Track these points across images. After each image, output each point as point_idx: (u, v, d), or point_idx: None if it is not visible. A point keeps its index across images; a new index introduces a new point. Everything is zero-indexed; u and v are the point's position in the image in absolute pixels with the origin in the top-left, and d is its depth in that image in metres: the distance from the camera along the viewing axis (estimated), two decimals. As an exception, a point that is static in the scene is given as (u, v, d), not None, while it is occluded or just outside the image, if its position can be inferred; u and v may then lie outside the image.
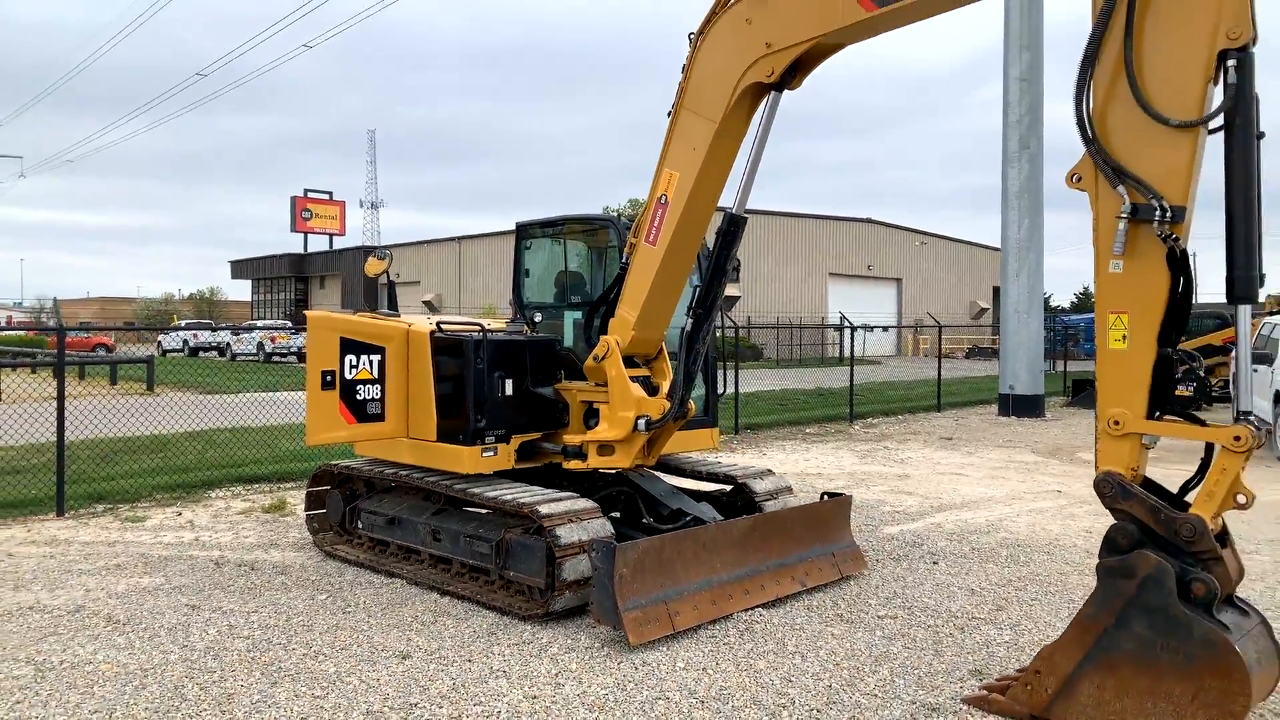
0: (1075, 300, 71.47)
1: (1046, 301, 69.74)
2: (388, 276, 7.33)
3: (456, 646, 5.09)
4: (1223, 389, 17.84)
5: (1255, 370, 14.55)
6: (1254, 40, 3.77)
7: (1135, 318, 3.98)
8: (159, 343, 40.30)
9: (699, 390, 7.15)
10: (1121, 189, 3.93)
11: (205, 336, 39.61)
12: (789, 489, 6.95)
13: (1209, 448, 3.93)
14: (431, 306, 50.40)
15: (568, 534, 5.36)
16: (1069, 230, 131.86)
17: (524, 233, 7.57)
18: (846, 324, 18.88)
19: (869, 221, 50.68)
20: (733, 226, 5.62)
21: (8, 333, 38.02)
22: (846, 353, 42.12)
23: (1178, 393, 15.18)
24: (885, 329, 21.56)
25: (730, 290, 44.15)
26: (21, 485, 9.15)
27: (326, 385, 5.94)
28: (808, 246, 47.06)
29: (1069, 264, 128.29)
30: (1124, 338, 4.01)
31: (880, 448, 13.59)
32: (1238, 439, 3.74)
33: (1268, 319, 15.08)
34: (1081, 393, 20.54)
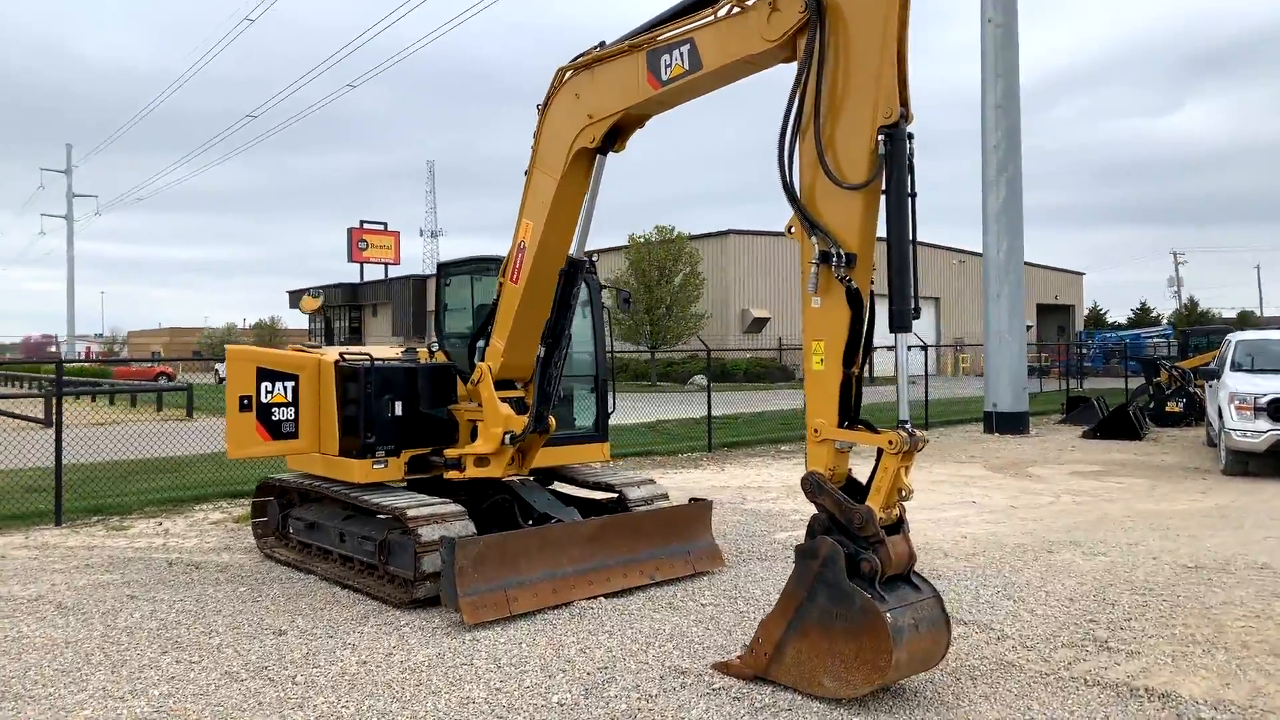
0: (1133, 315, 70.22)
1: (1102, 317, 68.78)
2: (323, 314, 8.44)
3: (328, 627, 6.07)
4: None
5: (1210, 385, 14.87)
6: (907, 118, 4.59)
7: (828, 344, 4.80)
8: (215, 369, 42.51)
9: (581, 410, 8.09)
10: (814, 239, 4.77)
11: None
12: (664, 496, 7.81)
13: (879, 451, 4.72)
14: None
15: (429, 533, 6.32)
16: (1127, 244, 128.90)
17: (444, 271, 8.59)
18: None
19: (903, 241, 50.77)
20: (571, 267, 6.57)
21: (77, 364, 40.64)
22: (877, 372, 42.60)
23: (1168, 409, 15.84)
24: (909, 349, 22.31)
25: (760, 313, 44.85)
26: (37, 500, 10.44)
27: (244, 408, 7.02)
28: (840, 267, 47.37)
29: (1123, 278, 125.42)
30: (821, 361, 4.84)
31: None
32: (890, 443, 4.53)
33: (1229, 336, 15.38)
34: (1075, 409, 20.81)
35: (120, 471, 12.89)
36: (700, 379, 37.31)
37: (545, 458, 7.71)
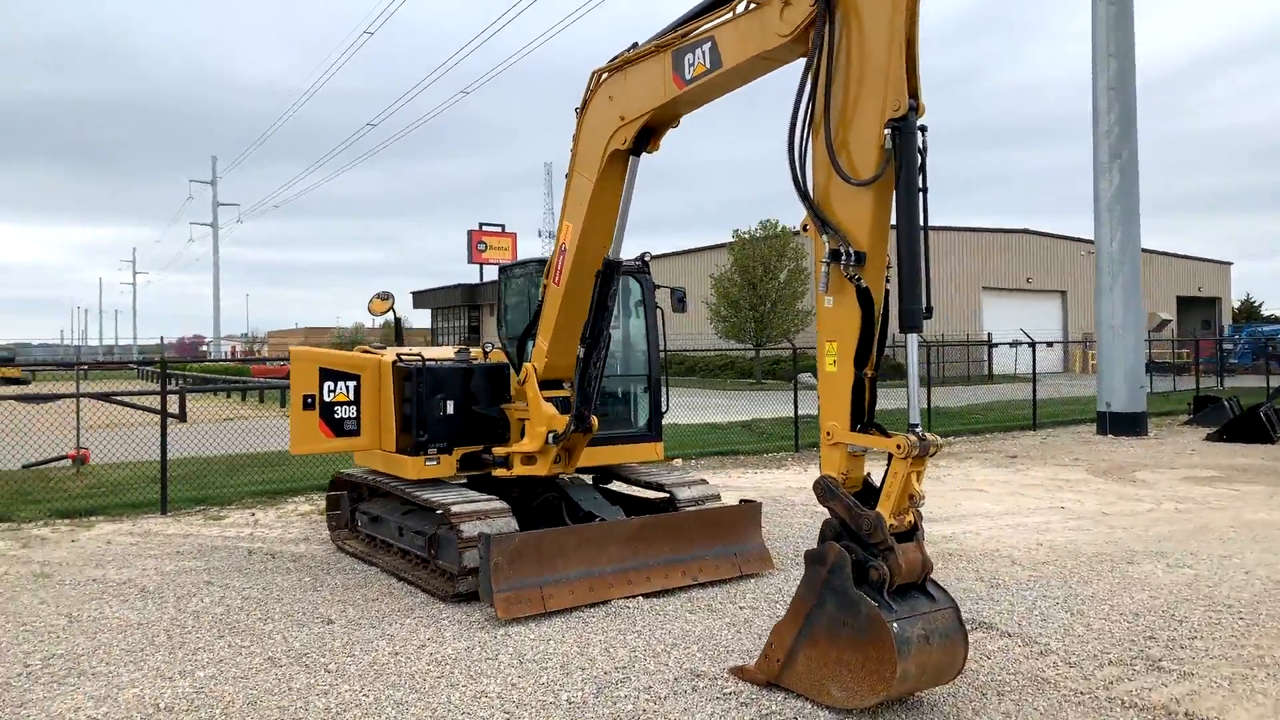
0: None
1: (1256, 310, 63.85)
2: (394, 314, 8.78)
3: (374, 617, 6.32)
4: None
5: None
6: (917, 110, 4.42)
7: (840, 345, 4.67)
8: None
9: (644, 410, 8.13)
10: (825, 237, 4.66)
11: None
12: (716, 496, 7.76)
13: (891, 455, 4.56)
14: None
15: (470, 528, 6.49)
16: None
17: (504, 272, 8.79)
18: (982, 341, 18.88)
19: (1025, 232, 48.66)
20: (608, 269, 6.61)
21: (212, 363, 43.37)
22: (996, 369, 40.88)
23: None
24: (1014, 344, 21.15)
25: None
26: (153, 490, 11.22)
27: (307, 406, 7.38)
28: (958, 260, 45.81)
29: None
30: (834, 362, 4.71)
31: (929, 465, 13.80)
32: (899, 447, 4.38)
33: None
34: (1202, 410, 19.46)
35: (233, 464, 13.72)
36: (807, 377, 36.79)
37: (598, 456, 7.81)
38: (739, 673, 5.02)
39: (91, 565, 8.00)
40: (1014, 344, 22.07)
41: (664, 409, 8.16)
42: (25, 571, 7.78)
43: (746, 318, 36.51)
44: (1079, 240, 50.73)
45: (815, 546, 4.67)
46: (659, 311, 8.17)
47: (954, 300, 45.41)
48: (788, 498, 10.86)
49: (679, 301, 8.28)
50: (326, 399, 7.45)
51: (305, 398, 7.36)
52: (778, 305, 36.45)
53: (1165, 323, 52.74)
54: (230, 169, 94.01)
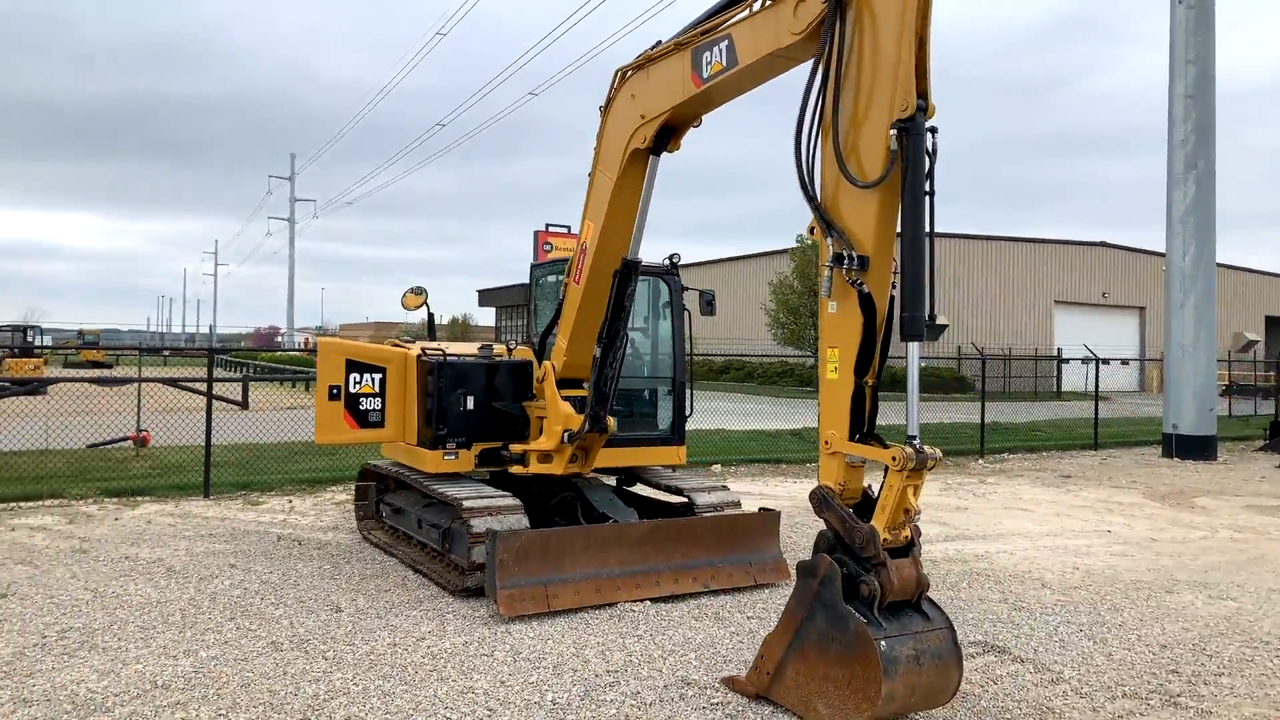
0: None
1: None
2: (428, 309, 8.87)
3: (382, 607, 6.37)
4: None
5: None
6: (926, 111, 4.27)
7: (842, 352, 4.54)
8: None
9: (667, 414, 8.06)
10: (830, 240, 4.53)
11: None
12: (736, 503, 7.64)
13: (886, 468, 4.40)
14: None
15: (479, 524, 6.50)
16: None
17: (535, 272, 8.82)
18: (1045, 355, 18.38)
19: (1103, 245, 47.10)
20: (625, 269, 6.55)
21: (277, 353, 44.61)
22: (1066, 386, 39.57)
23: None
24: (1081, 361, 20.52)
25: (939, 319, 42.79)
26: (199, 473, 11.53)
27: (333, 397, 7.48)
28: (1030, 273, 44.58)
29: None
30: (835, 369, 4.58)
31: (976, 481, 13.43)
32: (894, 459, 4.22)
33: None
34: (1279, 435, 18.54)
35: (285, 452, 14.04)
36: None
37: (620, 458, 7.76)
38: (730, 683, 4.92)
39: (127, 543, 8.25)
40: (1081, 360, 21.37)
41: (688, 412, 8.07)
42: (65, 546, 8.06)
43: (806, 324, 36.05)
44: (1159, 255, 48.85)
45: (807, 558, 4.55)
46: (686, 314, 8.09)
47: (1024, 315, 44.21)
48: (822, 508, 10.63)
49: (707, 304, 8.19)
50: (352, 390, 7.55)
51: (331, 388, 7.47)
52: (839, 314, 35.83)
53: (1252, 343, 50.31)
54: (307, 165, 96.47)
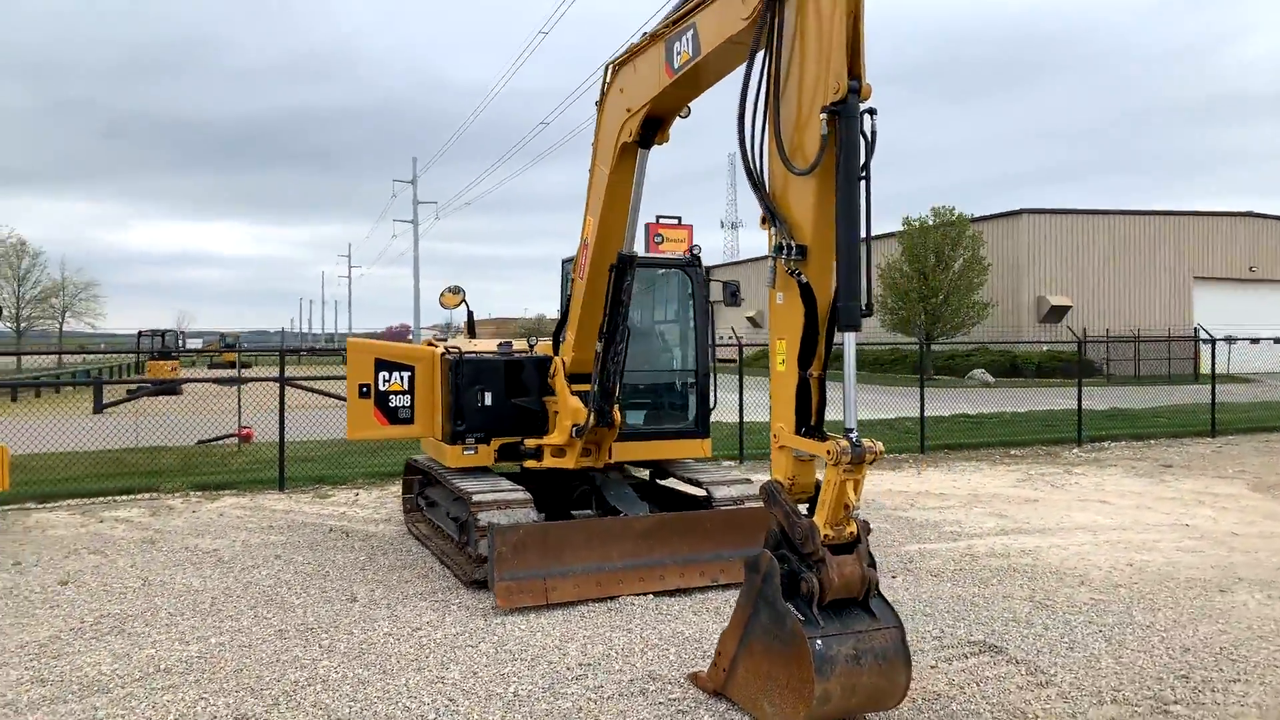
0: None
1: None
2: (466, 307, 9.12)
3: (396, 598, 6.61)
4: None
5: None
6: (860, 93, 4.10)
7: (787, 343, 4.43)
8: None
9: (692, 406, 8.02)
10: (774, 229, 4.42)
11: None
12: (756, 496, 7.52)
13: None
14: (754, 323, 52.24)
15: (486, 517, 6.65)
16: None
17: (566, 266, 8.90)
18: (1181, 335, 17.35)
19: (1249, 215, 43.56)
20: (621, 263, 6.55)
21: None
22: (1205, 369, 36.79)
23: None
24: (1203, 341, 19.05)
25: (1058, 300, 40.58)
26: (294, 469, 12.16)
27: (363, 395, 7.80)
28: (1165, 248, 41.72)
29: None
30: (783, 361, 4.47)
31: (1061, 471, 12.74)
32: (829, 453, 4.09)
33: None
34: None
35: (367, 447, 14.66)
36: (979, 374, 34.70)
37: (642, 451, 7.79)
38: (694, 679, 4.88)
39: (193, 535, 8.84)
40: (1203, 341, 19.87)
41: (712, 404, 8.00)
42: (137, 537, 8.71)
43: (916, 310, 34.92)
44: (1321, 226, 44.85)
45: (753, 554, 4.46)
46: (710, 306, 8.01)
47: (1159, 293, 41.42)
48: (879, 501, 10.35)
49: (732, 295, 8.08)
50: (381, 388, 7.84)
51: (360, 387, 7.79)
52: (950, 297, 34.60)
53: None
54: (428, 168, 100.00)
